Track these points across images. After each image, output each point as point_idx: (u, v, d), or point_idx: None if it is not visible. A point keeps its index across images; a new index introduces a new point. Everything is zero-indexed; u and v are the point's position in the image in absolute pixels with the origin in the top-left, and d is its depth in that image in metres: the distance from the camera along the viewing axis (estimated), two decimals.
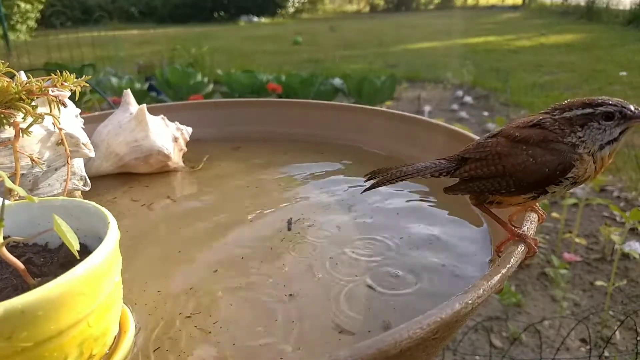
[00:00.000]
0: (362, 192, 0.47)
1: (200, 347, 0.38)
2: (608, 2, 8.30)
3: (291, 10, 13.05)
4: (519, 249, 0.39)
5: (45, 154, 0.52)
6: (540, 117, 0.40)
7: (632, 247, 1.56)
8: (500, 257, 0.39)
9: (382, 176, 0.44)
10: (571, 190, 2.27)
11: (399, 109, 3.36)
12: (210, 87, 3.42)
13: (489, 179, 0.41)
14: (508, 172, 0.40)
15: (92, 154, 0.57)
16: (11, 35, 6.73)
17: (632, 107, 0.38)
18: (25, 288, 0.32)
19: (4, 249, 0.31)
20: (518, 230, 0.41)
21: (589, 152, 0.38)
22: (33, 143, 0.50)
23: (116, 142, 0.69)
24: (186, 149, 0.76)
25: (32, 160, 0.49)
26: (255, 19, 11.61)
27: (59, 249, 0.37)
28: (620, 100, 0.39)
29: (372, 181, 0.45)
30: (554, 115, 0.40)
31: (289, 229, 0.55)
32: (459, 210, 0.57)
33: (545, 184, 0.39)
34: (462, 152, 0.44)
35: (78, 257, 0.31)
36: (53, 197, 0.41)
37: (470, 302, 0.33)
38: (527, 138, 0.40)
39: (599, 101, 0.39)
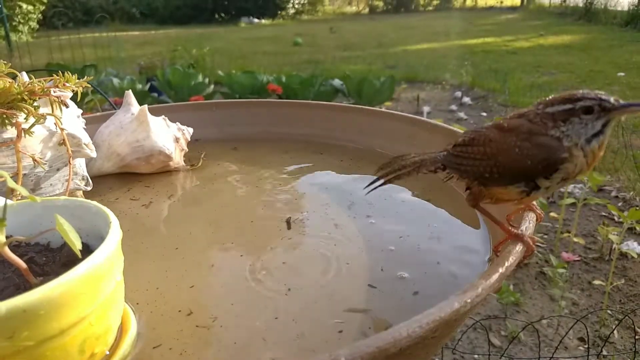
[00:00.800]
0: (366, 193, 0.49)
1: (201, 345, 0.38)
2: (606, 3, 8.31)
3: (291, 11, 13.05)
4: (517, 249, 0.40)
5: (47, 154, 0.52)
6: (526, 110, 0.41)
7: (630, 246, 1.57)
8: (498, 256, 0.40)
9: (385, 172, 0.45)
10: (569, 190, 2.26)
11: (398, 109, 3.36)
12: (211, 87, 3.43)
13: (475, 160, 0.41)
14: (493, 155, 0.40)
15: (93, 154, 0.58)
16: (13, 36, 6.73)
17: (611, 100, 0.38)
18: (27, 287, 0.32)
19: (7, 249, 0.31)
20: (515, 230, 0.41)
21: (577, 145, 0.38)
22: (35, 143, 0.51)
23: (118, 142, 0.69)
24: (187, 149, 0.76)
25: (34, 160, 0.49)
26: (256, 20, 11.62)
27: (61, 248, 0.38)
28: (600, 92, 0.39)
29: (376, 183, 0.46)
30: (538, 109, 0.40)
31: (289, 228, 0.55)
32: (457, 209, 0.58)
33: (530, 176, 0.39)
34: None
35: (80, 257, 0.31)
36: (55, 197, 0.41)
37: (469, 301, 0.33)
38: (514, 128, 0.40)
39: (578, 96, 0.39)
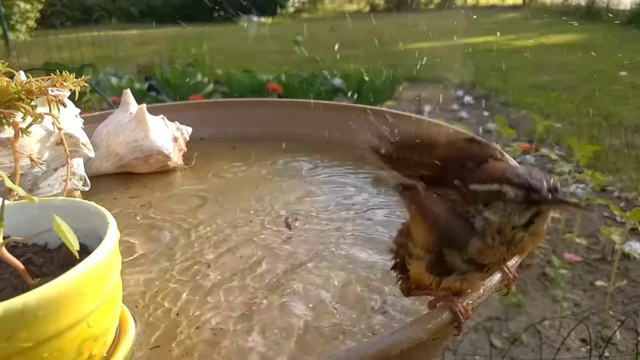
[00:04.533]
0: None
1: (201, 348, 0.38)
2: (608, 2, 8.30)
3: (291, 10, 13.06)
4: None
5: (44, 154, 0.52)
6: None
7: (632, 247, 1.56)
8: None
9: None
10: (572, 190, 2.24)
11: (399, 108, 3.36)
12: (210, 87, 3.42)
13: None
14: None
15: (91, 154, 0.58)
16: (11, 35, 6.72)
17: (544, 187, 0.29)
18: (25, 288, 0.32)
19: (4, 249, 0.31)
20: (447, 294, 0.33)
21: (492, 233, 0.30)
22: (33, 143, 0.50)
23: (116, 142, 0.69)
24: (186, 149, 0.76)
25: (32, 160, 0.49)
26: (256, 18, 11.62)
27: (58, 249, 0.37)
28: (534, 175, 0.30)
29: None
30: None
31: (289, 228, 0.55)
32: None
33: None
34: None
35: (78, 257, 0.31)
36: (53, 197, 0.41)
37: (470, 302, 0.33)
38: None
39: (507, 177, 0.30)
